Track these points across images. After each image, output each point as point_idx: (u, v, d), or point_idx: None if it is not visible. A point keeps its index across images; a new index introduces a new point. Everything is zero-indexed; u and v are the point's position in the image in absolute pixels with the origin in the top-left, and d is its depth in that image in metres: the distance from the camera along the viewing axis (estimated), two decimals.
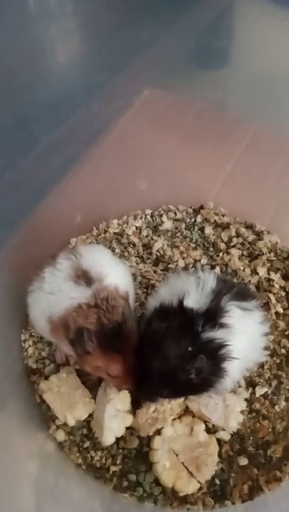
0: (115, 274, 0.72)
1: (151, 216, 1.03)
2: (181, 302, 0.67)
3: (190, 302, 0.67)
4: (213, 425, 0.76)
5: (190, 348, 0.64)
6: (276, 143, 1.12)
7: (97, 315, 0.66)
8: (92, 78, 1.13)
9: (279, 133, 1.12)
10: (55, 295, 0.70)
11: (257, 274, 0.92)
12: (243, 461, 0.74)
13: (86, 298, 0.68)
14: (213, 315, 0.66)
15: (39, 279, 0.74)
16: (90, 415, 0.77)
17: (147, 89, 1.23)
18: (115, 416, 0.73)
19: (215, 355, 0.65)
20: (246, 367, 0.74)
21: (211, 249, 0.97)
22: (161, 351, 0.64)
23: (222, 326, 0.66)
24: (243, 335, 0.68)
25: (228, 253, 0.95)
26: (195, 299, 0.68)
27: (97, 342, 0.65)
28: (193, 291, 0.69)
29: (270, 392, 0.80)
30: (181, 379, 0.64)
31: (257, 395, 0.79)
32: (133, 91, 1.21)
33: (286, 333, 0.86)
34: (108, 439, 0.73)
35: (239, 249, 0.96)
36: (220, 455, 0.74)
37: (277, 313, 0.87)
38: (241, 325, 0.68)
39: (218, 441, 0.75)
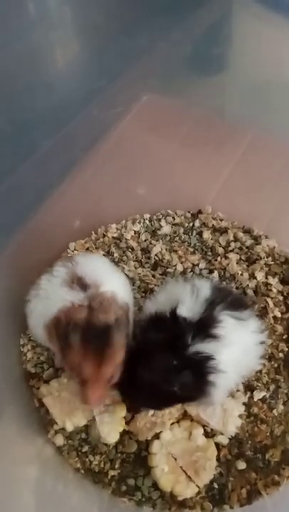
0: (112, 284, 0.71)
1: (150, 221, 1.03)
2: (173, 312, 0.67)
3: (183, 311, 0.67)
4: (212, 429, 0.76)
5: (175, 362, 0.63)
6: (273, 148, 1.13)
7: (88, 312, 0.65)
8: (91, 84, 1.14)
9: (276, 139, 1.13)
10: (50, 299, 0.70)
11: (255, 278, 0.92)
12: (242, 465, 0.75)
13: (80, 300, 0.67)
14: (205, 325, 0.66)
15: (36, 287, 0.74)
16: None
17: (146, 95, 1.24)
18: (105, 410, 0.74)
19: (200, 369, 0.64)
20: (241, 376, 0.74)
21: (209, 253, 0.98)
22: (147, 362, 0.64)
23: (213, 336, 0.65)
24: (236, 345, 0.67)
25: (226, 257, 0.96)
26: (188, 308, 0.67)
27: (81, 336, 0.64)
28: (187, 299, 0.68)
29: (268, 396, 0.80)
30: (164, 391, 0.64)
31: (255, 399, 0.79)
32: (132, 97, 1.22)
33: (284, 337, 0.86)
34: (108, 435, 0.73)
35: (237, 253, 0.97)
36: (218, 459, 0.75)
37: (275, 317, 0.88)
38: (234, 335, 0.67)
39: (217, 445, 0.75)
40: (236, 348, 0.67)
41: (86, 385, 0.65)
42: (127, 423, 0.76)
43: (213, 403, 0.69)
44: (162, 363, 0.64)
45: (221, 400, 0.75)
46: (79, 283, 0.69)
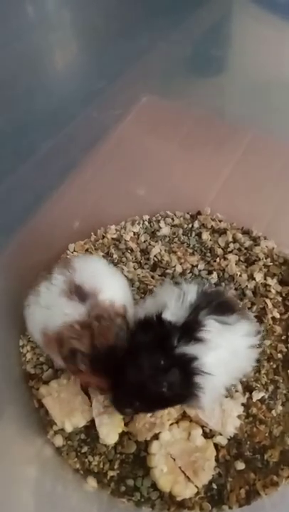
0: (111, 288, 0.72)
1: (149, 222, 1.04)
2: (159, 315, 0.68)
3: (168, 315, 0.68)
4: (211, 430, 0.76)
5: (162, 362, 0.65)
6: (273, 149, 1.13)
7: (90, 337, 0.67)
8: (90, 85, 1.14)
9: (276, 139, 1.13)
10: (49, 310, 0.71)
11: (254, 279, 0.93)
12: (240, 465, 0.75)
13: (80, 315, 0.68)
14: (189, 328, 0.67)
15: (35, 293, 0.74)
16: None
17: (145, 96, 1.24)
18: (105, 411, 0.74)
19: (186, 370, 0.65)
20: (232, 378, 0.74)
21: (208, 254, 0.98)
22: (135, 363, 0.66)
23: (198, 340, 0.66)
24: (222, 348, 0.68)
25: (225, 258, 0.96)
26: (173, 312, 0.68)
27: (89, 364, 0.67)
28: (173, 304, 0.70)
29: (266, 396, 0.80)
30: (152, 391, 0.65)
31: (254, 400, 0.80)
32: (131, 98, 1.22)
33: (283, 338, 0.86)
34: (106, 436, 0.74)
35: (236, 254, 0.97)
36: (217, 460, 0.75)
37: (273, 318, 0.88)
38: (220, 338, 0.67)
39: (216, 445, 0.76)
40: (223, 351, 0.68)
41: (103, 391, 0.72)
42: (126, 424, 0.76)
43: (203, 405, 0.70)
44: (150, 363, 0.65)
45: (219, 401, 0.76)
46: (77, 293, 0.70)
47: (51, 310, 0.70)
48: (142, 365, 0.65)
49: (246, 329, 0.72)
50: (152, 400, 0.67)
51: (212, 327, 0.68)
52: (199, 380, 0.65)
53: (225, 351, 0.68)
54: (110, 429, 0.75)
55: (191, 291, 0.72)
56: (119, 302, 0.71)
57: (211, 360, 0.66)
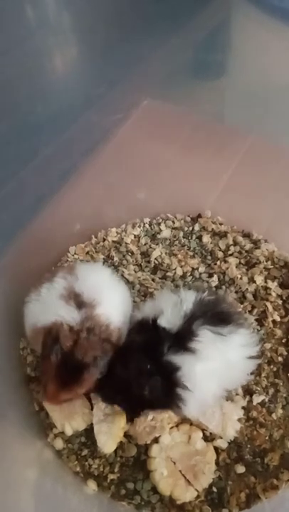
0: (110, 303, 0.73)
1: (150, 225, 1.04)
2: (154, 320, 0.69)
3: (163, 322, 0.69)
4: (211, 433, 0.76)
5: (148, 366, 0.66)
6: (272, 153, 1.14)
7: (73, 343, 0.67)
8: (91, 90, 1.15)
9: (275, 143, 1.14)
10: (45, 308, 0.72)
11: (254, 282, 0.93)
12: (240, 469, 0.75)
13: (73, 320, 0.69)
14: (182, 337, 0.67)
15: (36, 292, 0.75)
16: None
17: (145, 101, 1.25)
18: (105, 420, 0.74)
19: (169, 379, 0.66)
20: (223, 389, 0.73)
21: (209, 257, 0.98)
22: (125, 361, 0.67)
23: (188, 350, 0.66)
24: (213, 359, 0.67)
25: (225, 261, 0.96)
26: (168, 319, 0.69)
27: (58, 360, 0.67)
28: (169, 311, 0.70)
29: (267, 400, 0.80)
30: (134, 392, 0.67)
31: (254, 403, 0.79)
32: (132, 102, 1.23)
33: (283, 341, 0.86)
34: (104, 445, 0.74)
35: (236, 257, 0.97)
36: (217, 463, 0.75)
37: (274, 321, 0.88)
38: (211, 349, 0.67)
39: (216, 449, 0.75)
40: (214, 362, 0.68)
41: (44, 394, 0.70)
42: (125, 433, 0.76)
43: (189, 414, 0.70)
44: (137, 365, 0.67)
45: (220, 404, 0.76)
46: (76, 300, 0.71)
47: (46, 308, 0.71)
48: (130, 365, 0.67)
49: (242, 340, 0.71)
50: (133, 400, 0.68)
51: (205, 337, 0.68)
52: (181, 392, 0.66)
53: (216, 363, 0.68)
54: (108, 438, 0.74)
55: (188, 299, 0.72)
56: (114, 324, 0.71)
57: (200, 371, 0.66)
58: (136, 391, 0.66)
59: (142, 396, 0.66)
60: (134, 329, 0.73)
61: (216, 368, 0.68)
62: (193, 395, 0.66)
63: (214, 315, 0.71)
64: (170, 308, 0.70)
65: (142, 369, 0.66)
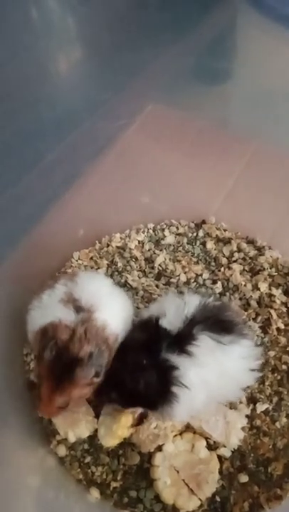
0: (107, 311, 0.73)
1: (154, 230, 1.04)
2: (156, 320, 0.70)
3: (165, 323, 0.69)
4: (214, 442, 0.76)
5: (144, 361, 0.67)
6: (277, 159, 1.13)
7: (69, 337, 0.68)
8: (95, 96, 1.16)
9: (280, 149, 1.14)
10: (45, 311, 0.73)
11: (258, 289, 0.92)
12: (244, 478, 0.74)
13: (70, 321, 0.69)
14: (180, 340, 0.67)
15: (38, 299, 0.76)
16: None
17: (150, 106, 1.25)
18: (111, 414, 0.74)
19: (165, 376, 0.66)
20: (213, 399, 0.73)
21: (213, 263, 0.98)
22: (122, 356, 0.69)
23: (184, 352, 0.67)
24: (208, 367, 0.67)
25: (229, 268, 0.96)
26: (170, 321, 0.69)
27: (53, 357, 0.67)
28: (171, 313, 0.70)
29: (270, 408, 0.80)
30: (129, 386, 0.67)
31: (258, 412, 0.79)
32: (136, 107, 1.23)
33: (287, 349, 0.86)
34: (102, 438, 0.74)
35: (240, 264, 0.97)
36: (220, 472, 0.74)
37: (278, 329, 0.88)
38: (208, 356, 0.67)
39: (219, 457, 0.75)
40: (208, 369, 0.67)
41: (39, 399, 0.69)
42: (130, 437, 0.75)
43: (176, 418, 0.71)
44: (133, 359, 0.68)
45: (223, 412, 0.75)
46: (74, 305, 0.72)
47: (46, 312, 0.72)
48: (126, 359, 0.68)
49: (243, 352, 0.70)
50: (128, 395, 0.68)
51: (204, 343, 0.67)
52: (175, 390, 0.66)
53: (210, 370, 0.67)
54: (107, 433, 0.74)
55: (191, 303, 0.72)
56: (111, 329, 0.71)
57: (192, 376, 0.66)
58: (130, 385, 0.67)
59: (137, 391, 0.67)
60: (136, 327, 0.74)
61: (210, 376, 0.67)
62: (181, 399, 0.66)
63: (217, 322, 0.70)
64: (173, 310, 0.71)
65: (138, 364, 0.67)
